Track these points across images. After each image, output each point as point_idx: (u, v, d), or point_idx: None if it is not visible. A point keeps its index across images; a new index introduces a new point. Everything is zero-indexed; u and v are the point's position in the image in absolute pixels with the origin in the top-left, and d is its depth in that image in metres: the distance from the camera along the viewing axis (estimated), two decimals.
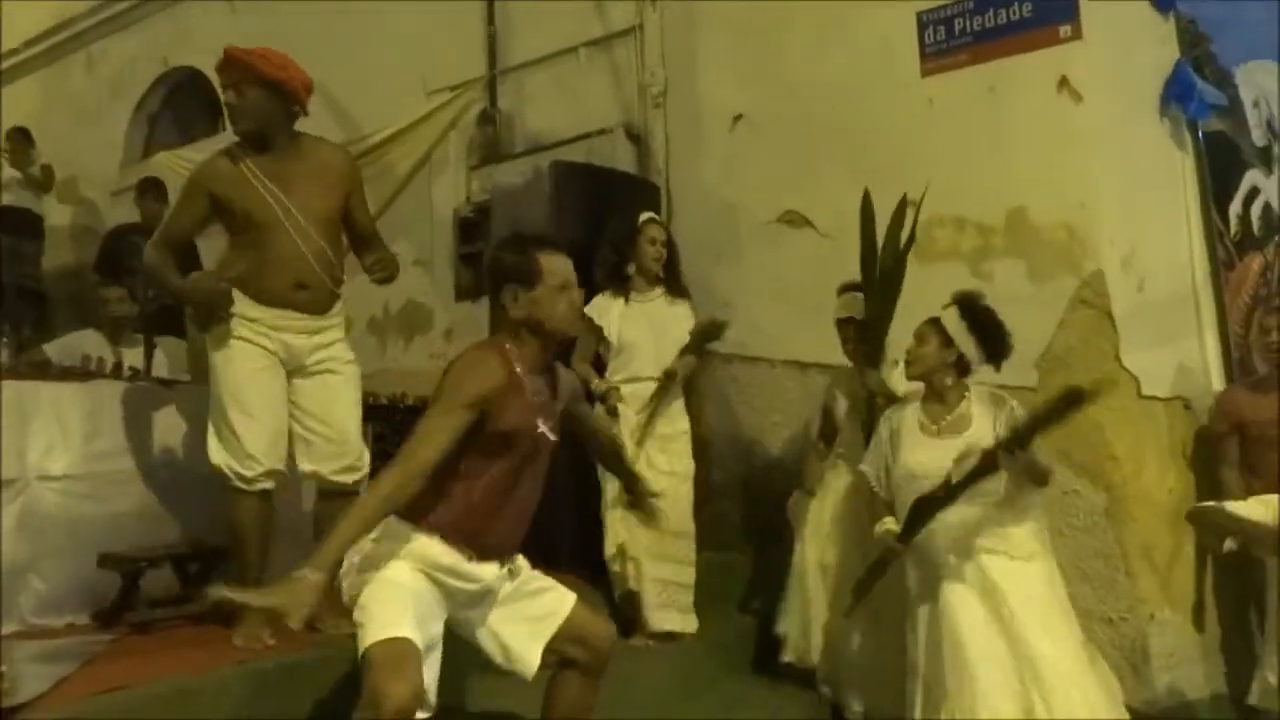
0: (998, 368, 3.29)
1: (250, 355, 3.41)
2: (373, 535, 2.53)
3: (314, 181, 3.48)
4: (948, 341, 3.27)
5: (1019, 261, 4.13)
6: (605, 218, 4.70)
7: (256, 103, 3.40)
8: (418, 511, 2.55)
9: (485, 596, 2.67)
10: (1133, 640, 3.81)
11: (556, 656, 2.71)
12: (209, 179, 3.47)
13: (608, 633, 2.79)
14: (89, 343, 4.60)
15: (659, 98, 5.35)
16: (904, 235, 3.68)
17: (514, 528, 2.69)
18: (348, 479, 3.50)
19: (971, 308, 3.30)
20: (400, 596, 2.50)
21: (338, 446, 3.50)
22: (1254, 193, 4.78)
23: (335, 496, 3.45)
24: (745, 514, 4.42)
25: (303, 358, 3.47)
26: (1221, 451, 4.04)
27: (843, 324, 3.97)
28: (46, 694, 2.79)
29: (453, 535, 2.57)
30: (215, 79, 3.66)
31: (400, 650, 2.40)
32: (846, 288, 3.94)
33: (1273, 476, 3.74)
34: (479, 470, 2.58)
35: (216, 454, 3.40)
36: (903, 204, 3.65)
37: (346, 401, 3.56)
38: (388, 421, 5.75)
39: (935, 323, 3.31)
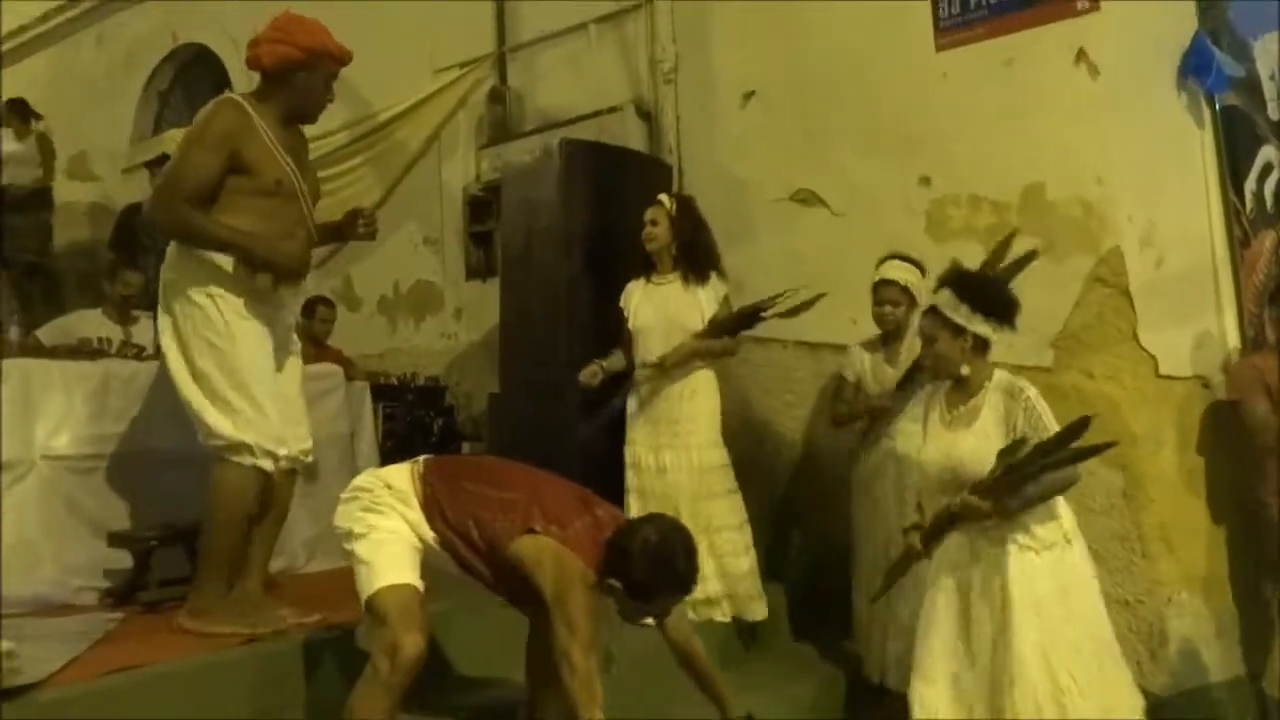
0: (1014, 328, 3.00)
1: (267, 336, 3.31)
2: (375, 485, 2.83)
3: (302, 157, 3.45)
4: (957, 329, 2.94)
5: (1034, 239, 4.03)
6: (616, 197, 4.66)
7: None
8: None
9: None
10: (1150, 623, 3.78)
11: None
12: (233, 132, 3.20)
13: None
14: (88, 324, 4.55)
15: (670, 74, 5.27)
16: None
17: None
18: (309, 459, 3.49)
19: (962, 284, 2.98)
20: (402, 545, 2.76)
21: (303, 428, 3.45)
22: (1268, 169, 4.69)
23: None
24: (757, 494, 4.39)
25: (287, 337, 3.44)
26: (1247, 414, 3.94)
27: (884, 286, 3.86)
28: (57, 673, 2.80)
29: None
30: (226, 54, 3.62)
31: (410, 598, 2.66)
32: (890, 257, 3.81)
33: None
34: None
35: (243, 432, 3.20)
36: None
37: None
38: (399, 401, 5.75)
39: (935, 313, 2.99)
